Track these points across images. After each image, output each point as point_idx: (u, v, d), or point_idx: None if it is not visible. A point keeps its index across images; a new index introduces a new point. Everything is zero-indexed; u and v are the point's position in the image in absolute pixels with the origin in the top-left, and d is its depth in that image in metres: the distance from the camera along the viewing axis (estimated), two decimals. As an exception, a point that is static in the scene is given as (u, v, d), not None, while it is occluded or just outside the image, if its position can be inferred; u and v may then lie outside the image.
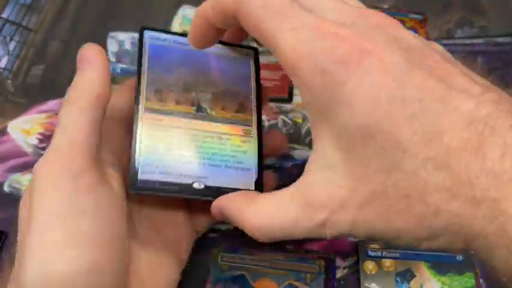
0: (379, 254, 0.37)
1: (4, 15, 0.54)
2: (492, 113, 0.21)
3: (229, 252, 0.37)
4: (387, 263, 0.36)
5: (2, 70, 0.50)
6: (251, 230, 0.26)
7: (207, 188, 0.30)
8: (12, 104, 0.47)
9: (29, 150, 0.44)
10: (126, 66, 0.50)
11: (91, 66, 0.27)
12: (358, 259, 0.37)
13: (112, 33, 0.52)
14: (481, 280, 0.35)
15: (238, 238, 0.38)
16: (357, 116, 0.22)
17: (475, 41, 0.50)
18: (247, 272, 0.36)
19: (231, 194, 0.29)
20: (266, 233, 0.26)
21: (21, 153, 0.44)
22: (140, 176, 0.29)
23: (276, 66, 0.49)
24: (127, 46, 0.51)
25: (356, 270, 0.36)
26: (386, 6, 0.54)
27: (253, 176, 0.31)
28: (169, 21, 0.53)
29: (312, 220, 0.24)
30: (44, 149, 0.44)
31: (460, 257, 0.36)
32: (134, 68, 0.49)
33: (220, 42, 0.33)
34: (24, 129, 0.45)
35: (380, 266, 0.36)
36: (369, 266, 0.36)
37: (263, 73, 0.48)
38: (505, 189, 0.20)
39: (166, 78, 0.31)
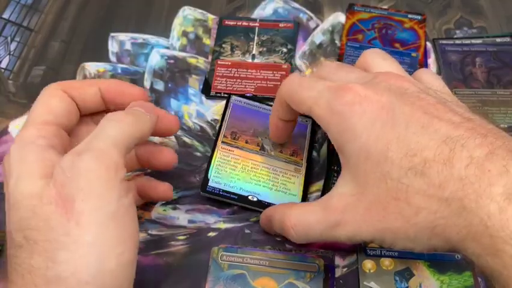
0: (378, 253, 0.37)
1: (5, 16, 0.54)
2: (465, 134, 0.26)
3: (229, 251, 0.37)
4: (386, 261, 0.36)
5: (3, 70, 0.50)
6: (288, 229, 0.32)
7: (259, 201, 0.39)
8: (14, 104, 0.48)
9: (30, 150, 0.44)
10: (126, 66, 0.50)
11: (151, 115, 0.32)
12: (357, 258, 0.37)
13: (112, 34, 0.52)
14: (479, 279, 0.35)
15: (238, 237, 0.38)
16: (359, 140, 0.28)
17: (474, 41, 0.50)
18: (247, 271, 0.36)
19: (276, 205, 0.37)
20: (298, 232, 0.32)
21: (22, 153, 0.44)
22: (210, 183, 0.39)
23: (275, 66, 0.49)
24: (128, 46, 0.51)
25: (355, 269, 0.37)
26: (385, 7, 0.54)
27: (298, 200, 0.39)
28: (170, 21, 0.53)
29: (328, 221, 0.30)
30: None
31: (458, 256, 0.36)
32: (135, 68, 0.49)
33: None
34: (25, 129, 0.46)
35: (379, 265, 0.36)
36: (368, 265, 0.36)
37: (264, 73, 0.48)
38: (468, 190, 0.25)
39: (241, 125, 0.43)
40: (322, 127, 0.32)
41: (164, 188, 0.38)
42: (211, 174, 0.40)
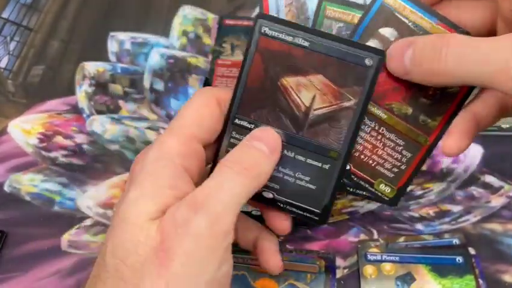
0: (379, 258, 0.37)
1: (4, 15, 0.54)
2: None
3: (229, 252, 0.37)
4: (387, 266, 0.36)
5: (2, 70, 0.50)
6: (440, 50, 0.25)
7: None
8: (13, 103, 0.47)
9: (29, 150, 0.44)
10: (126, 66, 0.50)
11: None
12: (358, 264, 0.37)
13: (112, 33, 0.52)
14: (480, 281, 0.35)
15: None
16: None
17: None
18: (247, 271, 0.36)
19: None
20: (453, 55, 0.25)
21: (21, 153, 0.44)
22: None
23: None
24: (127, 46, 0.51)
25: (356, 270, 0.37)
26: (386, 6, 0.54)
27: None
28: (169, 21, 0.53)
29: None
30: (44, 148, 0.44)
31: (459, 259, 0.36)
32: (134, 67, 0.49)
33: None
34: (24, 129, 0.46)
35: (380, 270, 0.36)
36: (369, 270, 0.36)
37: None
38: None
39: None
40: None
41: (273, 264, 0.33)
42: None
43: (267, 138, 0.29)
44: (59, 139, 0.45)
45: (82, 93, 0.48)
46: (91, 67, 0.49)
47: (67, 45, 0.51)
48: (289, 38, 0.29)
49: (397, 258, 0.36)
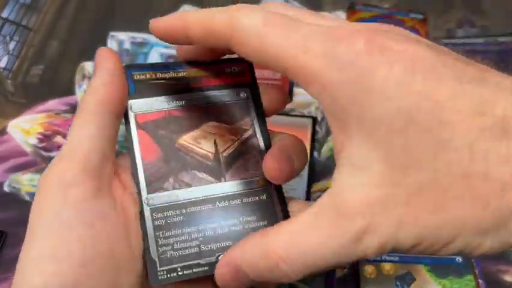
0: (378, 257, 0.36)
1: (4, 15, 0.54)
2: None
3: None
4: (386, 266, 0.36)
5: (2, 70, 0.50)
6: (276, 266, 0.22)
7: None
8: (12, 103, 0.47)
9: (28, 150, 0.44)
10: (126, 66, 0.50)
11: (97, 71, 0.27)
12: (357, 263, 0.37)
13: (111, 33, 0.52)
14: (480, 281, 0.35)
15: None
16: (394, 101, 0.20)
17: (475, 40, 0.50)
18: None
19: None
20: (295, 265, 0.22)
21: (21, 153, 0.44)
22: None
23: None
24: (127, 45, 0.51)
25: (356, 270, 0.36)
26: (386, 6, 0.54)
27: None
28: (169, 20, 0.53)
29: (346, 233, 0.20)
30: (43, 148, 0.44)
31: (459, 259, 0.36)
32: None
33: None
34: (24, 129, 0.45)
35: (379, 270, 0.36)
36: (369, 270, 0.36)
37: (264, 72, 0.48)
38: None
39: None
40: (312, 93, 0.22)
41: None
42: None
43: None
44: (58, 139, 0.45)
45: (81, 93, 0.47)
46: (91, 67, 0.49)
47: (66, 45, 0.51)
48: (163, 106, 0.28)
49: (397, 258, 0.36)
